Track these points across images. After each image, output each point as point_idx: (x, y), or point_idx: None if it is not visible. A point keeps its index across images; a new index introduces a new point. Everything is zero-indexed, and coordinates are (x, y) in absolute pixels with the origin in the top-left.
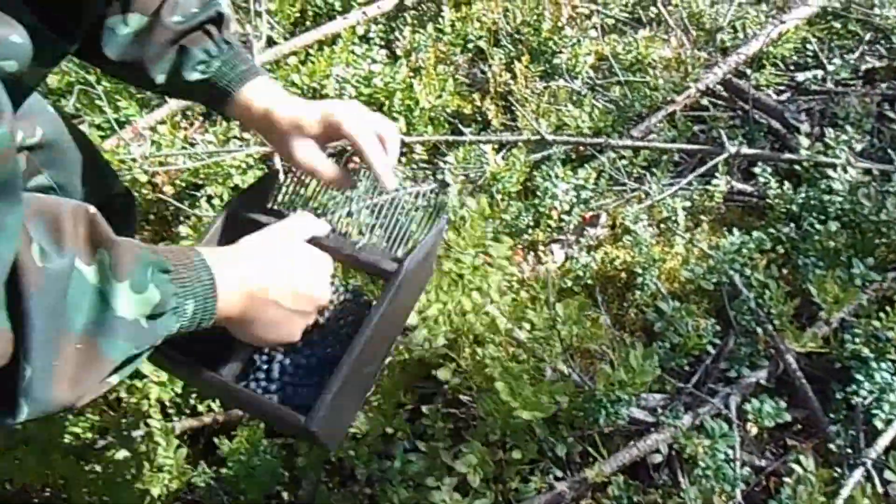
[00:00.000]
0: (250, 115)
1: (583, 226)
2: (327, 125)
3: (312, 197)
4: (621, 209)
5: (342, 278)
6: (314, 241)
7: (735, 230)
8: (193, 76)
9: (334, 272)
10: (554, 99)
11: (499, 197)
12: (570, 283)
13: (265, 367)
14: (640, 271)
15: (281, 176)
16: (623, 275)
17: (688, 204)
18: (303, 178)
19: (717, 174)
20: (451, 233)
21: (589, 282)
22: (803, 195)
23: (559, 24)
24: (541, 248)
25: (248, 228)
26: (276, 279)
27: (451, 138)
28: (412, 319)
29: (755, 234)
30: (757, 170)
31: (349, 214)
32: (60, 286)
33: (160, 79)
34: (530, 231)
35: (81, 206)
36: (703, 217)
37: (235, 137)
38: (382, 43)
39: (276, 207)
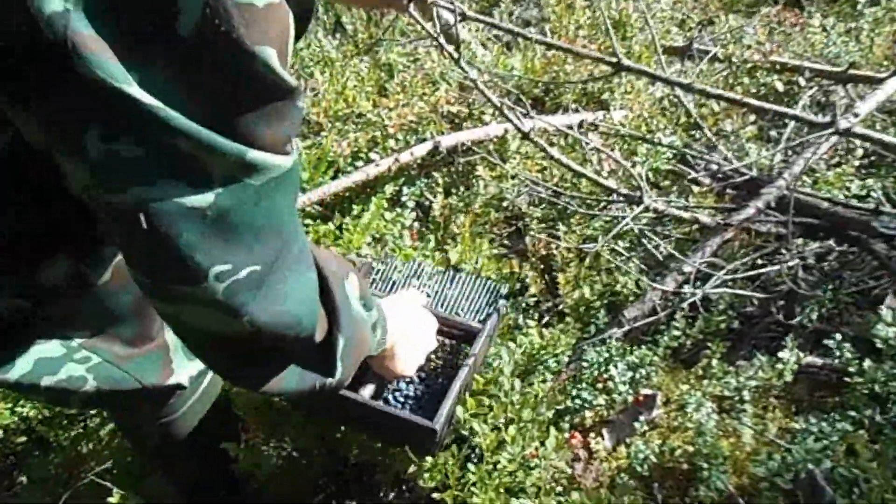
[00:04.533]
0: None
1: (636, 408)
2: None
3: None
4: (675, 387)
5: None
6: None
7: (811, 416)
8: None
9: None
10: (596, 262)
11: (543, 377)
12: (625, 478)
13: (394, 394)
14: (704, 465)
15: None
16: (684, 465)
17: (753, 384)
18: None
19: (785, 346)
20: (491, 429)
21: (645, 474)
22: (885, 372)
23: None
24: (590, 432)
25: None
26: (412, 330)
27: None
28: None
29: (838, 424)
30: (831, 342)
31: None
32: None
33: None
34: (577, 413)
35: None
36: (772, 399)
37: None
38: (413, 205)
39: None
